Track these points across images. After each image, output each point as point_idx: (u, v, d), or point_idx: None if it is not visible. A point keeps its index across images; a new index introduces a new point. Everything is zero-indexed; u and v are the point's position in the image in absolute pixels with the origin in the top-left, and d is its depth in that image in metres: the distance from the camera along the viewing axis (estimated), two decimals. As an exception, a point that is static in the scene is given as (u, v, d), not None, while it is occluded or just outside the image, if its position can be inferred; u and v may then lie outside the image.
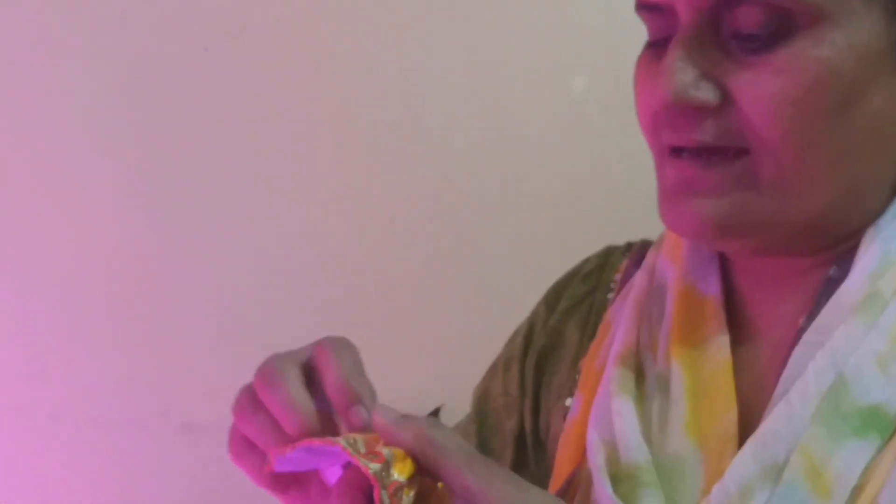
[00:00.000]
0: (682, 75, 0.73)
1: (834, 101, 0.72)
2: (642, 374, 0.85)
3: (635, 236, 0.99)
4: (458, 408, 1.03)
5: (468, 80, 1.77)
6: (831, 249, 0.78)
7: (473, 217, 1.79)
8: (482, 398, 1.01)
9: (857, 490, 0.71)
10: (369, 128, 1.79)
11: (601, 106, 1.76)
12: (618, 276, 0.96)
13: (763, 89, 0.72)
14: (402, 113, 1.78)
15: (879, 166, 0.77)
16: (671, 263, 0.87)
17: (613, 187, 1.74)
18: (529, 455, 0.96)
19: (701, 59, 0.74)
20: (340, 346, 0.81)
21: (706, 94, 0.73)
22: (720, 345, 0.81)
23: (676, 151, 0.76)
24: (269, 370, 0.77)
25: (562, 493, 0.86)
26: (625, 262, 0.96)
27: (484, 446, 0.98)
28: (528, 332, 0.99)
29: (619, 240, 1.00)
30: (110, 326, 1.83)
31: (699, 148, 0.75)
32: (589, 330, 0.95)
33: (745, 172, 0.74)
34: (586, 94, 1.77)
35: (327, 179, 1.81)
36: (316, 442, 0.72)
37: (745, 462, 0.74)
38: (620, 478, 0.80)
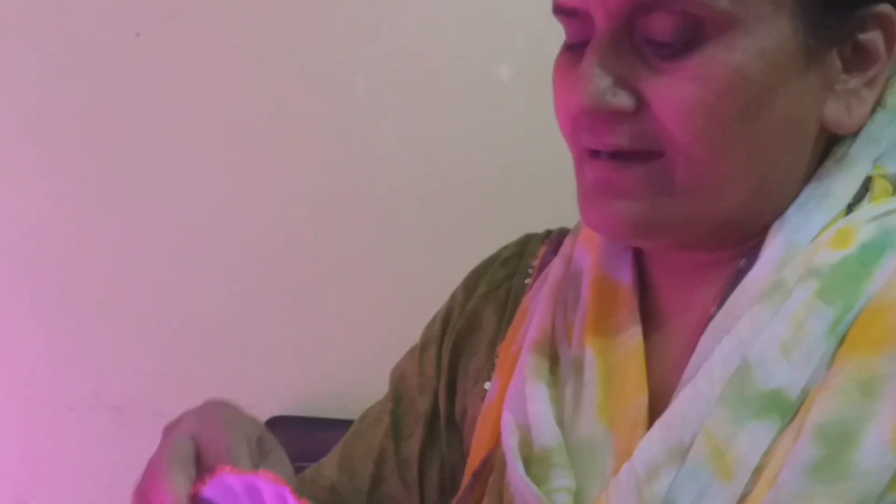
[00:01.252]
0: (599, 81, 0.74)
1: (745, 105, 0.73)
2: (557, 358, 0.86)
3: (557, 223, 1.00)
4: (379, 389, 1.04)
5: (397, 67, 1.77)
6: (742, 243, 0.80)
7: (399, 203, 1.80)
8: (399, 378, 1.01)
9: (758, 470, 0.72)
10: (299, 112, 1.78)
11: (526, 94, 1.77)
12: (535, 263, 0.97)
13: (676, 95, 0.73)
14: (331, 98, 1.78)
15: (789, 164, 0.78)
16: (587, 251, 0.88)
17: (537, 175, 1.75)
18: (441, 435, 0.97)
19: (616, 64, 0.74)
20: (228, 426, 0.80)
21: (622, 99, 0.74)
22: (632, 332, 0.82)
23: (594, 153, 0.77)
24: (155, 470, 0.76)
25: (477, 474, 0.87)
26: (543, 249, 0.97)
27: (397, 423, 0.99)
28: (446, 316, 0.99)
29: (542, 227, 1.01)
30: (40, 309, 1.82)
31: (616, 151, 0.76)
32: (506, 315, 0.95)
33: (659, 175, 0.75)
34: (511, 83, 1.78)
35: (257, 162, 1.80)
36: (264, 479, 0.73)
37: (652, 443, 0.75)
38: (533, 460, 0.80)
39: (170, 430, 0.80)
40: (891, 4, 0.76)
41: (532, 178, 1.75)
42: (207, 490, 0.73)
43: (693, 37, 0.72)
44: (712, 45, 0.72)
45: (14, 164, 1.79)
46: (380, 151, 1.78)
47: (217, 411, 0.81)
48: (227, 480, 0.73)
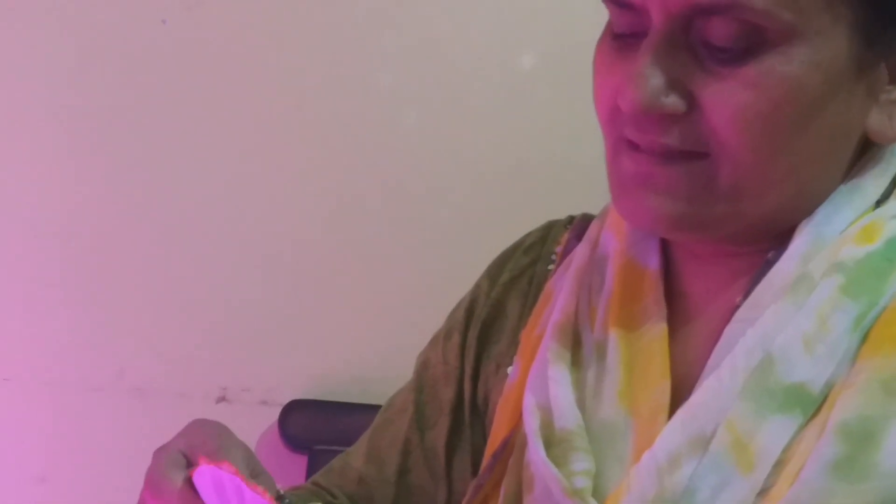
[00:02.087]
0: (654, 81, 0.73)
1: (797, 115, 0.73)
2: (579, 342, 0.85)
3: (579, 211, 0.99)
4: (398, 373, 1.04)
5: (419, 56, 1.77)
6: (773, 238, 0.79)
7: (423, 191, 1.80)
8: (423, 366, 1.01)
9: (780, 464, 0.72)
10: (322, 102, 1.79)
11: (549, 84, 1.76)
12: (559, 249, 0.96)
13: (731, 101, 0.72)
14: (354, 87, 1.78)
15: (829, 170, 0.78)
16: (613, 236, 0.88)
17: (559, 164, 1.75)
18: (465, 422, 0.97)
19: (671, 64, 0.73)
20: (224, 444, 0.79)
21: (674, 101, 0.73)
22: (657, 317, 0.82)
23: (634, 145, 0.76)
24: (155, 478, 0.76)
25: (498, 454, 0.87)
26: (566, 235, 0.96)
27: (421, 412, 0.98)
28: (470, 305, 0.98)
29: (564, 214, 1.00)
30: (65, 290, 1.82)
31: (661, 150, 0.75)
32: (529, 301, 0.95)
33: (701, 175, 0.75)
34: (534, 72, 1.77)
35: (281, 152, 1.81)
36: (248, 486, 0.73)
37: (674, 432, 0.75)
38: (554, 441, 0.80)
39: (159, 451, 0.79)
40: None
41: (554, 168, 1.75)
42: (198, 475, 0.73)
43: (752, 44, 0.71)
44: (771, 55, 0.71)
45: (43, 150, 1.79)
46: (402, 142, 1.78)
47: (205, 426, 0.81)
48: (220, 474, 0.73)
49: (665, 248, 0.85)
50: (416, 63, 1.77)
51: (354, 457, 1.02)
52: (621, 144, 0.78)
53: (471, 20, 1.76)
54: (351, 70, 1.77)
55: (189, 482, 0.73)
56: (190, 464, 0.76)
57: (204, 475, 0.73)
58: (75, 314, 1.82)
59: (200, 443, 0.78)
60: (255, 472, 0.80)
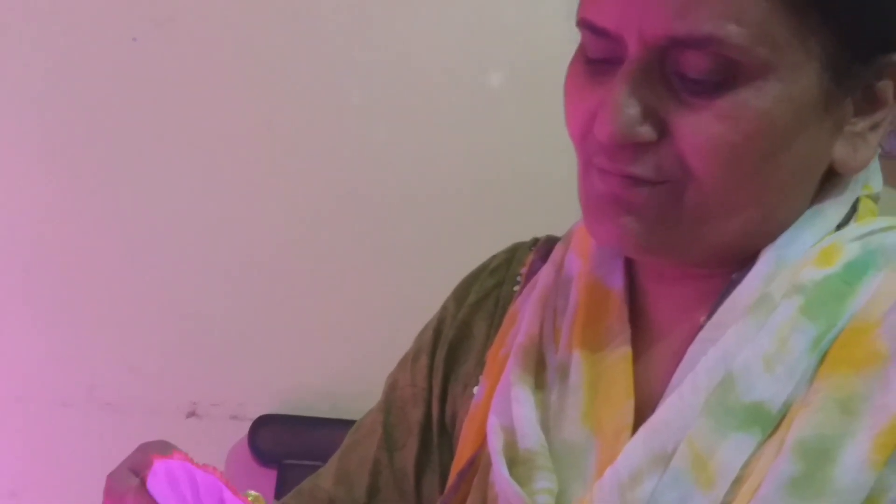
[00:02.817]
0: (628, 111, 0.73)
1: (767, 147, 0.74)
2: (543, 364, 0.86)
3: (548, 229, 1.00)
4: (371, 397, 1.04)
5: (390, 73, 1.78)
6: (738, 261, 0.80)
7: (393, 207, 1.80)
8: (391, 388, 1.01)
9: (739, 481, 0.73)
10: (294, 117, 1.79)
11: (516, 101, 1.77)
12: (523, 270, 0.96)
13: (703, 132, 0.73)
14: (325, 104, 1.79)
15: (794, 199, 0.79)
16: (578, 258, 0.88)
17: (528, 179, 1.76)
18: (434, 443, 0.97)
19: (646, 94, 0.74)
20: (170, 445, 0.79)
21: (647, 132, 0.74)
22: (621, 338, 0.82)
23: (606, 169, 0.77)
24: (111, 486, 0.76)
25: (463, 474, 0.87)
26: (530, 257, 0.97)
27: (390, 434, 0.99)
28: (437, 326, 0.99)
29: (533, 232, 1.01)
30: (35, 306, 1.82)
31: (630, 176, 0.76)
32: (496, 322, 0.95)
33: (668, 199, 0.75)
34: (502, 90, 1.78)
35: (251, 167, 1.81)
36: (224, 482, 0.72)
37: (636, 449, 0.75)
38: (517, 461, 0.81)
39: (111, 474, 0.79)
40: None
41: (523, 184, 1.76)
42: (152, 476, 0.73)
43: (727, 78, 0.72)
44: (744, 89, 0.72)
45: (13, 164, 1.79)
46: (373, 157, 1.79)
47: (148, 444, 0.79)
48: (171, 466, 0.72)
49: (630, 269, 0.86)
50: (387, 79, 1.78)
51: (324, 478, 1.01)
52: (592, 166, 0.78)
53: (441, 37, 1.77)
54: (322, 86, 1.78)
55: (143, 485, 0.72)
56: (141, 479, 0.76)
57: (157, 475, 0.72)
58: (46, 330, 1.82)
59: (146, 455, 0.77)
60: None
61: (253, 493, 0.74)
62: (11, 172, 1.79)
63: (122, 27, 1.76)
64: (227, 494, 0.69)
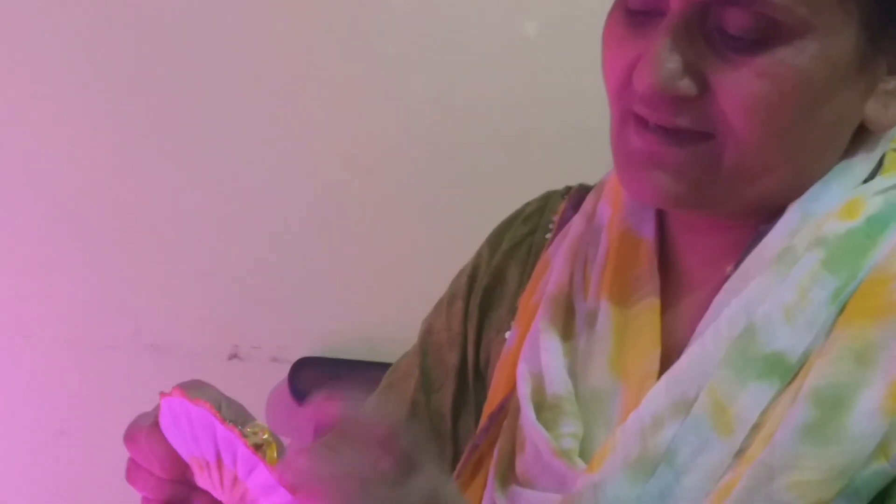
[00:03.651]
0: (670, 65, 0.74)
1: (803, 105, 0.74)
2: (572, 312, 0.87)
3: (582, 177, 1.00)
4: (408, 341, 1.05)
5: (424, 23, 1.77)
6: (767, 212, 0.81)
7: (430, 156, 1.81)
8: (427, 332, 1.02)
9: (756, 428, 0.74)
10: (332, 67, 1.79)
11: (552, 51, 1.77)
12: (556, 218, 0.97)
13: (743, 88, 0.73)
14: (361, 55, 1.79)
15: (825, 156, 0.80)
16: (609, 207, 0.89)
17: (562, 130, 1.76)
18: (470, 386, 0.98)
19: (687, 48, 0.74)
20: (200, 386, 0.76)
21: (688, 86, 0.74)
22: (651, 286, 0.83)
23: (643, 121, 0.78)
24: (130, 431, 0.75)
25: (494, 417, 0.89)
26: (563, 205, 0.98)
27: (427, 376, 1.00)
28: (472, 272, 1.00)
29: (567, 180, 1.01)
30: (83, 253, 1.84)
31: (670, 127, 0.77)
32: (528, 269, 0.96)
33: (706, 157, 0.76)
34: (537, 39, 1.78)
35: (290, 117, 1.81)
36: (218, 421, 0.70)
37: (659, 395, 0.77)
38: (545, 406, 0.83)
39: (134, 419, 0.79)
40: None
41: (558, 134, 1.76)
42: (163, 419, 0.72)
43: (766, 36, 0.73)
44: (784, 47, 0.73)
45: (59, 116, 1.81)
46: (409, 107, 1.79)
47: (183, 385, 0.80)
48: (188, 408, 0.70)
49: (660, 218, 0.86)
50: (422, 30, 1.78)
51: None
52: (629, 118, 0.79)
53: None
54: (358, 37, 1.78)
55: (155, 424, 0.71)
56: None
57: (165, 413, 0.71)
58: (93, 275, 1.84)
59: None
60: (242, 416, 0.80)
61: (259, 424, 0.75)
62: (59, 122, 1.81)
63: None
64: (219, 428, 0.69)
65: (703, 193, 0.78)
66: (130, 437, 0.72)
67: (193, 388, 0.72)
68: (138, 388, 1.80)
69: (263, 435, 0.71)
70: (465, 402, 0.98)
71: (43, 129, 1.81)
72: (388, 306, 1.83)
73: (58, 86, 1.80)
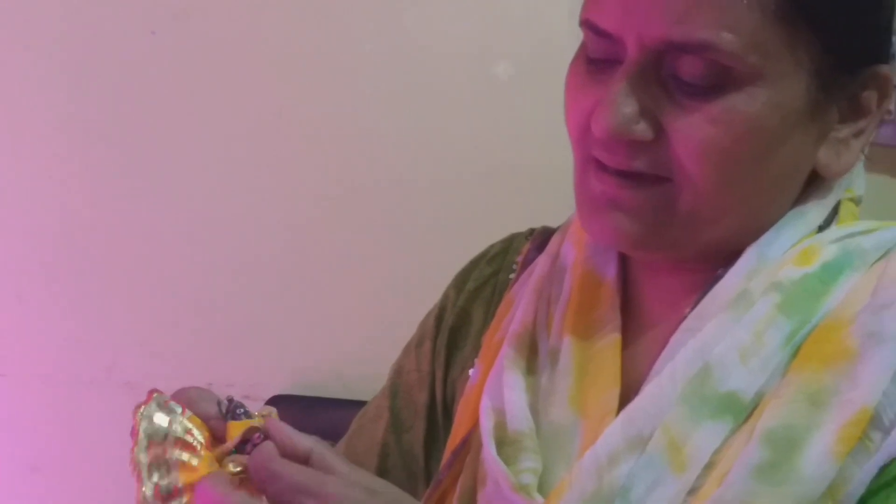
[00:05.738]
0: (625, 109, 0.75)
1: (756, 150, 0.76)
2: (536, 350, 0.88)
3: (551, 219, 1.02)
4: (380, 379, 1.06)
5: (400, 64, 1.79)
6: (725, 257, 0.82)
7: (402, 194, 1.82)
8: (396, 373, 1.03)
9: (709, 466, 0.75)
10: (306, 108, 1.81)
11: (524, 93, 1.78)
12: (519, 258, 0.99)
13: (696, 133, 0.75)
14: (334, 95, 1.80)
15: (779, 201, 0.81)
16: (574, 248, 0.91)
17: (532, 169, 1.77)
18: (439, 424, 0.99)
19: (642, 94, 0.76)
20: (199, 393, 0.79)
21: (643, 130, 0.76)
22: (611, 326, 0.85)
23: (603, 165, 0.79)
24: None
25: (457, 452, 0.90)
26: (526, 246, 0.99)
27: (397, 417, 1.01)
28: (439, 314, 1.01)
29: (537, 222, 1.03)
30: (58, 290, 1.84)
31: (627, 171, 0.78)
32: (493, 308, 0.97)
33: (663, 199, 0.78)
34: (510, 81, 1.79)
35: (264, 157, 1.83)
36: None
37: (615, 432, 0.78)
38: (506, 442, 0.83)
39: None
40: (887, 63, 0.79)
41: (528, 172, 1.77)
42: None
43: (719, 82, 0.74)
44: (736, 93, 0.74)
45: (36, 156, 1.82)
46: (381, 146, 1.80)
47: (180, 392, 0.80)
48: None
49: (623, 260, 0.88)
50: (396, 71, 1.79)
51: None
52: (590, 163, 0.80)
53: (449, 29, 1.78)
54: (332, 78, 1.79)
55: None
56: None
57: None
58: (68, 312, 1.85)
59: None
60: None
61: (268, 408, 0.76)
62: (34, 163, 1.81)
63: (140, 21, 1.79)
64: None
65: (661, 235, 0.79)
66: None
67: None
68: (112, 425, 1.81)
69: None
70: (436, 441, 0.99)
71: (18, 166, 1.82)
72: (361, 345, 1.83)
73: (35, 126, 1.81)
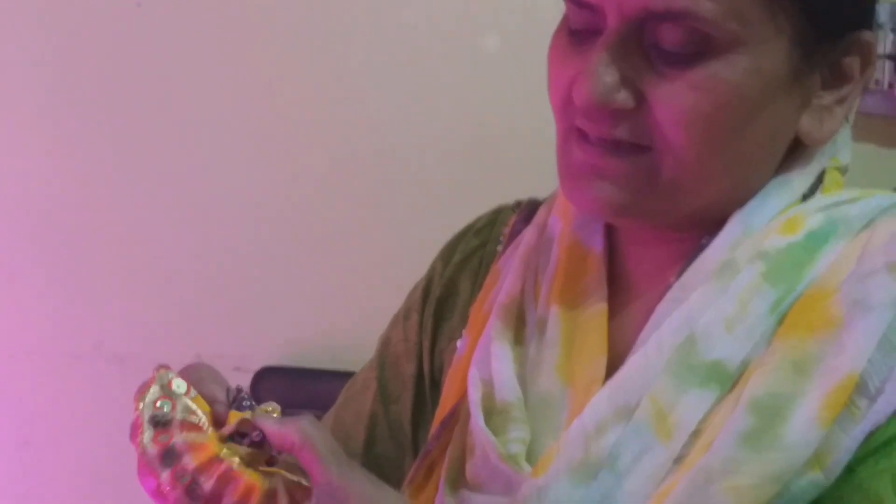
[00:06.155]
0: (606, 79, 0.75)
1: (737, 118, 0.76)
2: (523, 320, 0.89)
3: (539, 191, 1.02)
4: (369, 350, 1.07)
5: (388, 39, 1.79)
6: (709, 226, 0.82)
7: (392, 168, 1.82)
8: (384, 344, 1.04)
9: (695, 434, 0.76)
10: (294, 82, 1.81)
11: (512, 65, 1.79)
12: (506, 230, 0.99)
13: (677, 101, 0.75)
14: (323, 69, 1.80)
15: (762, 169, 0.81)
16: (560, 220, 0.91)
17: (520, 142, 1.78)
18: (427, 395, 1.00)
19: (623, 63, 0.76)
20: (203, 374, 0.80)
21: (625, 99, 0.76)
22: (598, 296, 0.85)
23: (584, 134, 0.79)
24: None
25: (446, 422, 0.90)
26: (513, 218, 0.99)
27: (385, 388, 1.01)
28: (426, 285, 1.02)
29: (524, 193, 1.03)
30: (46, 264, 1.85)
31: (609, 140, 0.78)
32: (479, 279, 0.98)
33: (645, 168, 0.78)
34: (498, 53, 1.80)
35: (254, 130, 1.83)
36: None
37: (602, 402, 0.79)
38: (494, 412, 0.84)
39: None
40: (870, 29, 0.79)
41: (515, 147, 1.77)
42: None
43: (700, 50, 0.74)
44: (716, 61, 0.74)
45: (22, 130, 1.82)
46: (370, 119, 1.80)
47: (189, 368, 0.81)
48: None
49: (609, 231, 0.88)
50: (383, 43, 1.79)
51: None
52: (572, 133, 0.80)
53: (436, 1, 1.78)
54: (320, 52, 1.79)
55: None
56: None
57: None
58: (55, 286, 1.85)
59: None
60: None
61: (272, 404, 0.77)
62: (20, 137, 1.81)
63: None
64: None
65: (644, 204, 0.79)
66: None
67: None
68: (101, 399, 1.83)
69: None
70: (424, 413, 0.99)
71: (5, 143, 1.81)
72: (350, 316, 1.84)
73: (21, 104, 1.81)
